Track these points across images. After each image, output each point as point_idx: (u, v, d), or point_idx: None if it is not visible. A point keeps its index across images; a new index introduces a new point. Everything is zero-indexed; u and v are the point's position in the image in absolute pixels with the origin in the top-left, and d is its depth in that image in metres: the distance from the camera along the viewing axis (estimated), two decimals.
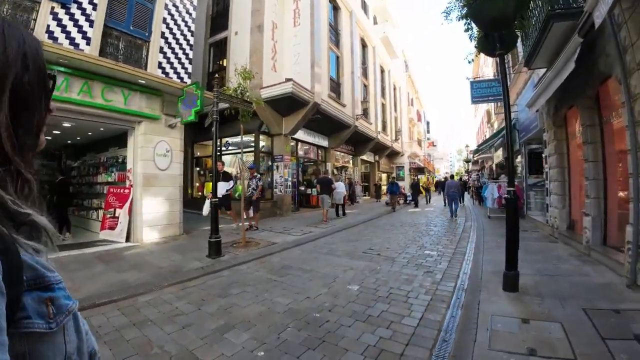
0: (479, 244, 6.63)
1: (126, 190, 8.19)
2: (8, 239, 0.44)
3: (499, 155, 17.96)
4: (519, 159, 13.10)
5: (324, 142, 15.49)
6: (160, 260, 5.66)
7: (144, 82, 7.48)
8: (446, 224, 9.86)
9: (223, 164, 7.75)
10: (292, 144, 13.61)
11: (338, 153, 17.78)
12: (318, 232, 8.53)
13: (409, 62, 33.77)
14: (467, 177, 26.30)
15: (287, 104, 11.23)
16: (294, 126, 11.95)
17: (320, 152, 15.68)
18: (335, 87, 14.26)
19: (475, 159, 21.47)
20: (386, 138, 22.29)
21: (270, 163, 12.57)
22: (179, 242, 7.25)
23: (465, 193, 22.38)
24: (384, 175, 27.18)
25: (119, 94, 7.36)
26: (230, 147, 13.13)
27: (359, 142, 18.86)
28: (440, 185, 26.51)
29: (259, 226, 9.11)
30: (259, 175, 8.10)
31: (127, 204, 7.95)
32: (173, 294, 4.01)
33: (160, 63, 8.56)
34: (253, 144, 11.97)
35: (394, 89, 26.60)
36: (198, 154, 14.50)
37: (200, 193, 14.23)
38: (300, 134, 13.53)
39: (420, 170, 31.61)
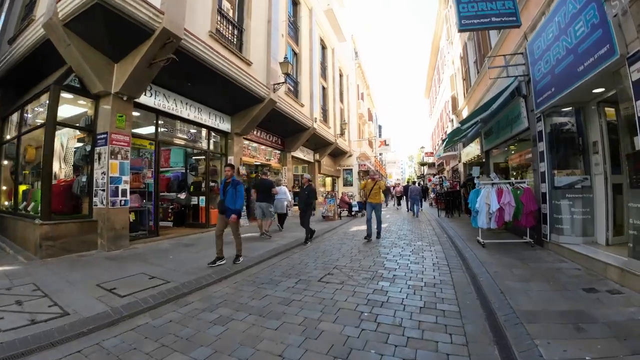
0: None
1: None
2: None
3: (469, 153, 13.69)
4: (509, 147, 8.61)
5: (223, 124, 9.91)
6: None
7: None
8: (414, 269, 4.73)
9: None
10: (154, 118, 7.87)
11: (254, 144, 12.28)
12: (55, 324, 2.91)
13: (360, 53, 29.50)
14: (428, 182, 22.19)
15: (107, 28, 5.66)
16: (128, 77, 6.27)
17: (216, 138, 10.06)
18: (229, 28, 8.73)
19: (437, 159, 17.28)
20: (327, 130, 17.24)
21: (88, 148, 6.72)
22: None
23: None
24: (328, 180, 22.15)
25: None
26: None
27: (287, 131, 13.53)
28: (389, 192, 22.13)
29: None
30: None
31: None
32: None
33: None
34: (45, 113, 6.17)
35: (340, 75, 21.85)
36: (8, 136, 8.20)
37: (8, 203, 7.94)
38: (164, 101, 7.83)
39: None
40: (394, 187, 22.77)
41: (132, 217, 7.36)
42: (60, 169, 7.27)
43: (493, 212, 5.83)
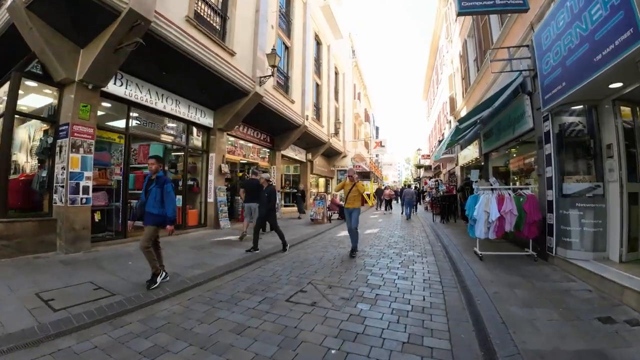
0: None
1: None
2: None
3: (466, 156, 13.13)
4: (513, 150, 8.05)
5: (205, 119, 9.28)
6: None
7: None
8: (401, 287, 4.15)
9: None
10: (126, 109, 7.22)
11: (241, 141, 11.66)
12: None
13: (357, 52, 28.90)
14: (424, 185, 21.59)
15: (70, 10, 5.25)
16: (92, 63, 5.66)
17: (196, 133, 9.43)
18: (211, 15, 7.92)
19: (433, 162, 16.77)
20: (321, 129, 16.63)
21: (49, 141, 6.10)
22: None
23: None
24: (321, 180, 21.55)
25: None
26: None
27: (276, 128, 12.90)
28: (379, 194, 21.42)
29: None
30: None
31: None
32: None
33: None
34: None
35: (336, 73, 21.25)
36: None
37: None
38: (137, 92, 7.18)
39: (366, 175, 26.54)
40: (383, 190, 21.90)
41: (97, 216, 6.74)
42: (27, 162, 6.71)
43: (492, 221, 5.24)
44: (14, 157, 6.71)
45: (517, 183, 7.00)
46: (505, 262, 5.16)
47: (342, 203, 13.73)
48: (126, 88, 6.93)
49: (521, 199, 5.37)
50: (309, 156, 17.49)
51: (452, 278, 4.46)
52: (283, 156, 14.51)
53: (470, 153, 12.26)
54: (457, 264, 5.11)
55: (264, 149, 13.27)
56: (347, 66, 24.37)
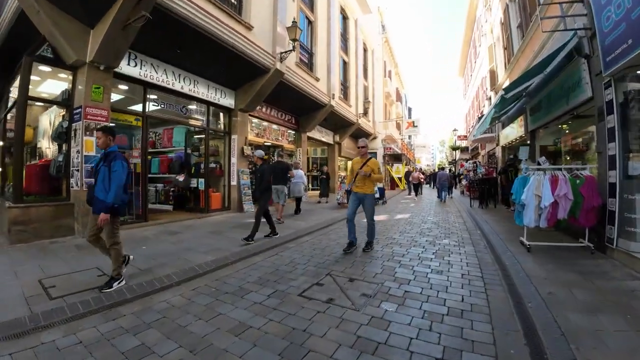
0: None
1: None
2: None
3: (508, 135, 11.90)
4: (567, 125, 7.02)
5: (225, 99, 8.92)
6: None
7: None
8: (435, 283, 3.61)
9: None
10: (142, 91, 7.00)
11: (264, 123, 11.28)
12: None
13: (388, 27, 27.29)
14: (460, 167, 20.25)
15: None
16: (101, 42, 5.42)
17: (217, 114, 9.13)
18: None
19: (471, 142, 15.49)
20: (348, 109, 15.85)
21: (65, 125, 6.00)
22: None
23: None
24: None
25: None
26: None
27: (301, 109, 12.36)
28: (408, 177, 19.98)
29: None
30: None
31: None
32: None
33: None
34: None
35: (365, 49, 20.13)
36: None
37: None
38: (152, 72, 6.91)
39: (397, 157, 25.37)
40: (411, 173, 20.35)
41: None
42: (48, 148, 6.74)
43: (545, 207, 4.46)
44: (37, 144, 6.80)
45: (572, 164, 6.06)
46: (557, 254, 4.39)
47: (380, 186, 12.76)
48: (141, 69, 6.67)
49: (578, 182, 4.53)
50: (337, 138, 16.85)
51: (496, 273, 3.79)
52: (309, 138, 14.00)
53: (513, 132, 11.05)
54: (500, 256, 4.40)
55: (289, 131, 12.82)
56: (376, 42, 23.06)
